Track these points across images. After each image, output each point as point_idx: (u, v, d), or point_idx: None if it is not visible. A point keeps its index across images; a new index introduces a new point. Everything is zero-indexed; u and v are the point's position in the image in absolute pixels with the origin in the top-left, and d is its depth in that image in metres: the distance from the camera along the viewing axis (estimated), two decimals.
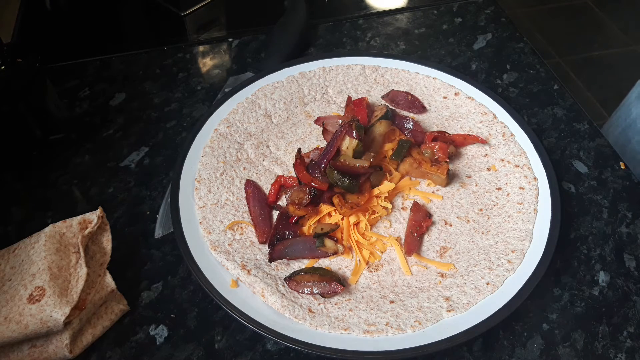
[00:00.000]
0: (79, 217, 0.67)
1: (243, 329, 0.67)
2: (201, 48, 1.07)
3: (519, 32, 1.11)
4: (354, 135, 0.75)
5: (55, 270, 0.61)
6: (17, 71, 0.77)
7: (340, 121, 0.82)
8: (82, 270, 0.62)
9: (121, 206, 0.80)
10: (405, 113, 0.90)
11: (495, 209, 0.76)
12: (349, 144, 0.76)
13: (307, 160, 0.79)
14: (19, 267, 0.64)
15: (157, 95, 0.97)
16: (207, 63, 1.04)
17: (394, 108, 0.90)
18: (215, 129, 0.84)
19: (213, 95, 0.97)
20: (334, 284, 0.66)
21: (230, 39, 1.09)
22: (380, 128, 0.80)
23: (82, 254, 0.64)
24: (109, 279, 0.65)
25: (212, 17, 1.19)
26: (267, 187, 0.79)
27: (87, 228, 0.66)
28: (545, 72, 1.02)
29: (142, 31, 1.20)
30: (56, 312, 0.58)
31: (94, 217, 0.67)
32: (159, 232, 0.76)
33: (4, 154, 0.83)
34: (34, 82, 0.79)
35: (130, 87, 0.99)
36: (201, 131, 0.83)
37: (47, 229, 0.65)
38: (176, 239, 0.70)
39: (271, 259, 0.70)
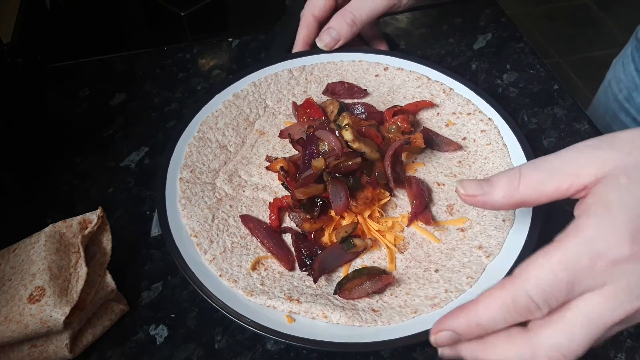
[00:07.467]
0: (79, 217, 0.67)
1: (243, 329, 0.67)
2: (201, 48, 1.07)
3: (519, 32, 1.11)
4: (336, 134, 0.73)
5: (55, 270, 0.61)
6: (17, 71, 0.77)
7: (307, 126, 0.78)
8: (82, 270, 0.62)
9: (121, 206, 0.80)
10: (349, 101, 0.89)
11: (470, 156, 0.80)
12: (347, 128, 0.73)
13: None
14: (19, 267, 0.64)
15: (157, 95, 0.97)
16: (207, 63, 1.04)
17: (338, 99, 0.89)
18: (180, 178, 0.76)
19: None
20: (384, 277, 0.65)
21: (230, 39, 1.09)
22: (345, 121, 0.76)
23: (82, 253, 0.64)
24: (109, 279, 0.65)
25: (212, 17, 1.19)
26: (262, 216, 0.74)
27: (87, 228, 0.66)
28: (545, 72, 1.02)
29: (142, 31, 1.20)
30: (56, 312, 0.58)
31: (94, 217, 0.67)
32: (154, 231, 0.76)
33: (3, 154, 0.83)
34: (34, 82, 0.79)
35: (130, 87, 0.99)
36: (167, 183, 0.75)
37: (47, 229, 0.65)
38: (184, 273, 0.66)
39: (315, 279, 0.67)
